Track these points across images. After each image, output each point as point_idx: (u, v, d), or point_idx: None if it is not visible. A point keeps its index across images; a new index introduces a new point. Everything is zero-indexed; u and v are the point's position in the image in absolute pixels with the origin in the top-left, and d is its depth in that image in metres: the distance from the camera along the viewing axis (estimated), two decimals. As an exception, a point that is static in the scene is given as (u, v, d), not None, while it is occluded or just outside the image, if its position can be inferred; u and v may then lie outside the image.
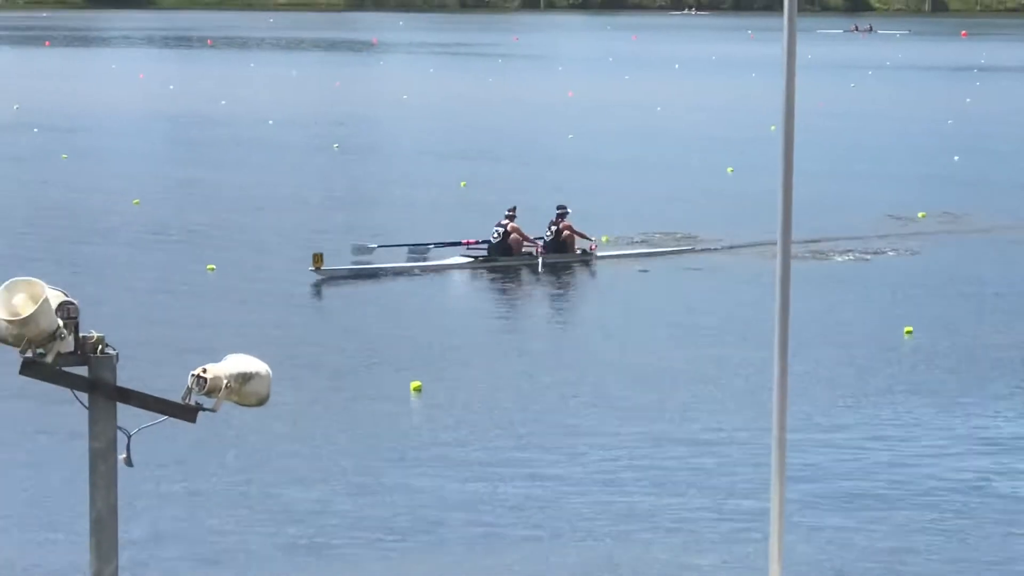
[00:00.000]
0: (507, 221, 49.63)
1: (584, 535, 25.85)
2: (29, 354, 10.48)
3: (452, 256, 49.57)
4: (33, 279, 10.47)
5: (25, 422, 31.12)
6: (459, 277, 48.91)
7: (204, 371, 10.81)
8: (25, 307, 10.30)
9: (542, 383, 35.26)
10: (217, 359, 11.13)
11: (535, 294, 48.13)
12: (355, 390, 34.68)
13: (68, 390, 10.79)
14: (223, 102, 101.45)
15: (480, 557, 25.19)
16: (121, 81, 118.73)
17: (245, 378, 10.83)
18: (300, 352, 37.03)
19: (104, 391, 10.71)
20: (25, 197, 61.47)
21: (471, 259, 49.67)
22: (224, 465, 28.88)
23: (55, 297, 10.48)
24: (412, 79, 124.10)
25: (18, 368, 10.59)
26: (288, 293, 44.59)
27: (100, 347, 10.72)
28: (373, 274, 47.55)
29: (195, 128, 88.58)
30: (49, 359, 10.53)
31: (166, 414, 10.97)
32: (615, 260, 50.58)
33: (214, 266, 46.56)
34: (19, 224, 55.03)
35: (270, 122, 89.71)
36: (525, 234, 49.65)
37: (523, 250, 49.56)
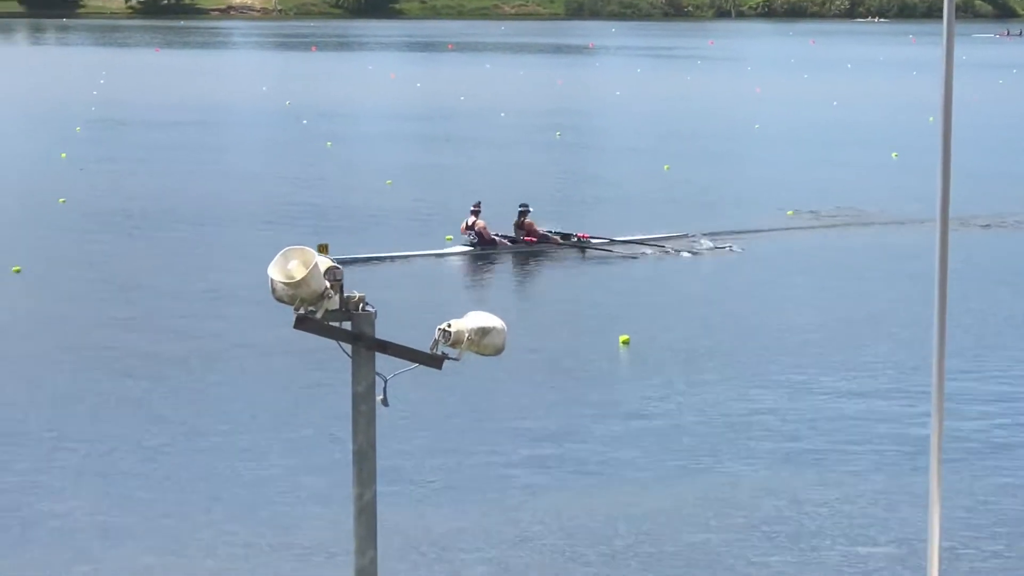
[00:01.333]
0: (472, 219, 45.23)
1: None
2: (301, 311, 10.69)
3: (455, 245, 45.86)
4: (305, 247, 10.66)
5: (296, 370, 31.54)
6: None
7: (449, 325, 10.97)
8: (298, 271, 10.51)
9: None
10: (459, 316, 11.26)
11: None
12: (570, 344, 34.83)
13: (334, 342, 10.98)
14: (462, 98, 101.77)
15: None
16: (375, 80, 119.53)
17: (484, 332, 10.95)
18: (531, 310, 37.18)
19: (365, 342, 10.86)
20: (296, 178, 62.09)
21: (470, 248, 45.45)
22: (463, 405, 29.11)
23: (323, 263, 10.66)
24: (623, 78, 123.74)
25: (292, 323, 10.82)
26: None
27: (361, 305, 10.88)
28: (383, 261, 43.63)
29: (439, 120, 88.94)
30: (318, 315, 10.74)
31: (417, 362, 11.14)
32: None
33: (451, 237, 46.80)
34: (292, 200, 55.69)
35: (502, 115, 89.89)
36: (488, 232, 45.19)
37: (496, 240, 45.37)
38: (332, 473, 24.55)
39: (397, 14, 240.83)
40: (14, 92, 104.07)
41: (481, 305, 12.04)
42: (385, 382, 10.95)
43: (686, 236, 47.66)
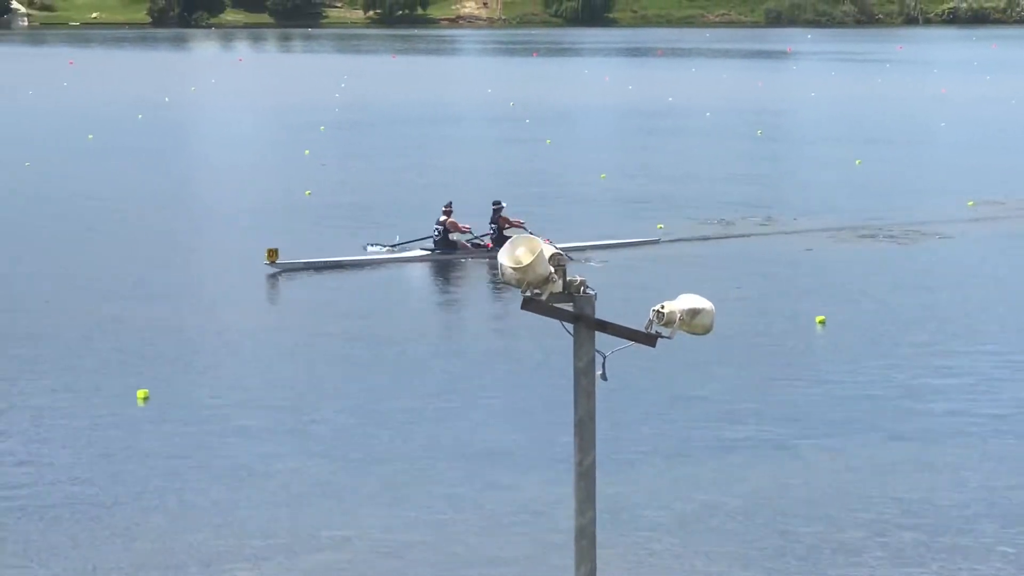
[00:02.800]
0: (444, 217, 42.45)
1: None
2: (528, 294, 10.76)
3: (412, 249, 42.58)
4: (532, 236, 10.74)
5: (524, 347, 31.68)
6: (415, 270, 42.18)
7: (662, 307, 10.98)
8: (525, 258, 10.61)
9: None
10: (671, 298, 11.26)
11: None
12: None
13: (557, 321, 11.03)
14: (670, 99, 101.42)
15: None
16: (591, 83, 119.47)
17: (695, 312, 10.96)
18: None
19: (586, 322, 10.91)
20: (518, 171, 62.33)
21: (427, 251, 42.39)
22: (673, 381, 29.06)
23: (548, 250, 10.71)
24: (818, 80, 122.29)
25: (520, 304, 10.91)
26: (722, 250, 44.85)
27: (582, 288, 10.91)
28: (328, 267, 40.92)
29: (649, 119, 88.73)
30: (544, 297, 10.79)
31: (633, 340, 11.14)
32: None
33: (663, 225, 46.66)
34: (515, 191, 55.95)
35: (707, 114, 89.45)
36: (460, 225, 42.56)
37: (468, 243, 42.72)
38: (548, 442, 24.72)
39: (611, 23, 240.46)
40: (265, 95, 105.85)
41: (681, 288, 12.00)
42: (604, 358, 11.00)
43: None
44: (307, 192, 54.45)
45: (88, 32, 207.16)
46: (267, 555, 20.92)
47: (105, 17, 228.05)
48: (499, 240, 41.47)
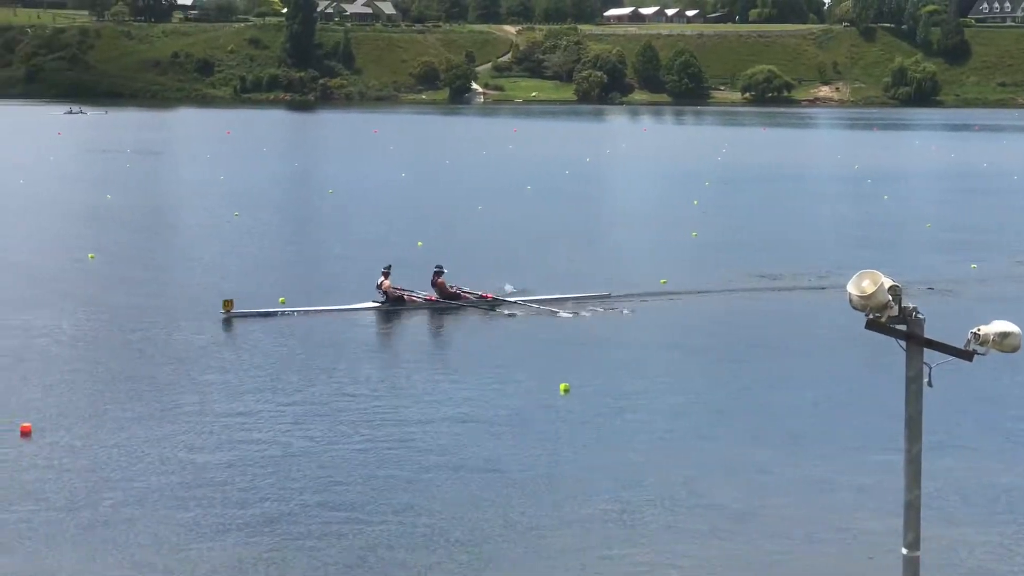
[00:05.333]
0: (381, 279, 36.95)
1: None
2: (871, 316, 10.68)
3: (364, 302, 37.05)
4: (874, 271, 10.68)
5: (863, 360, 31.05)
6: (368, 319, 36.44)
7: (979, 330, 10.80)
8: (869, 288, 10.55)
9: None
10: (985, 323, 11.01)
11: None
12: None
13: (892, 339, 10.90)
14: (984, 164, 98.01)
15: None
16: (920, 152, 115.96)
17: (1005, 335, 10.71)
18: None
19: (916, 340, 10.81)
20: (860, 220, 61.12)
21: (378, 303, 36.84)
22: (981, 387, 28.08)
23: (887, 282, 10.62)
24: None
25: (863, 325, 10.85)
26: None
27: (914, 313, 10.76)
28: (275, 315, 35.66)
29: (967, 180, 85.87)
30: (883, 320, 10.68)
31: (953, 355, 10.92)
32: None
33: (975, 265, 44.95)
34: (857, 233, 54.89)
35: (1015, 176, 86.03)
36: (397, 289, 37.01)
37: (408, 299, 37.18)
38: (873, 441, 24.24)
39: (938, 104, 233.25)
40: (663, 157, 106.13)
41: (992, 316, 11.67)
42: (930, 369, 10.86)
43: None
44: (693, 233, 54.39)
45: (528, 108, 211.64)
46: None
47: (542, 96, 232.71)
48: (446, 298, 37.39)
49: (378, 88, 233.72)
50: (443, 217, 60.45)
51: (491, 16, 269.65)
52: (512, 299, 37.96)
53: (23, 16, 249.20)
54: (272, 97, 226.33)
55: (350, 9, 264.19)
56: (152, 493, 21.22)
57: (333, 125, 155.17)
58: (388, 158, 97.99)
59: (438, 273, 37.81)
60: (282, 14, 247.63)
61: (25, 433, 24.17)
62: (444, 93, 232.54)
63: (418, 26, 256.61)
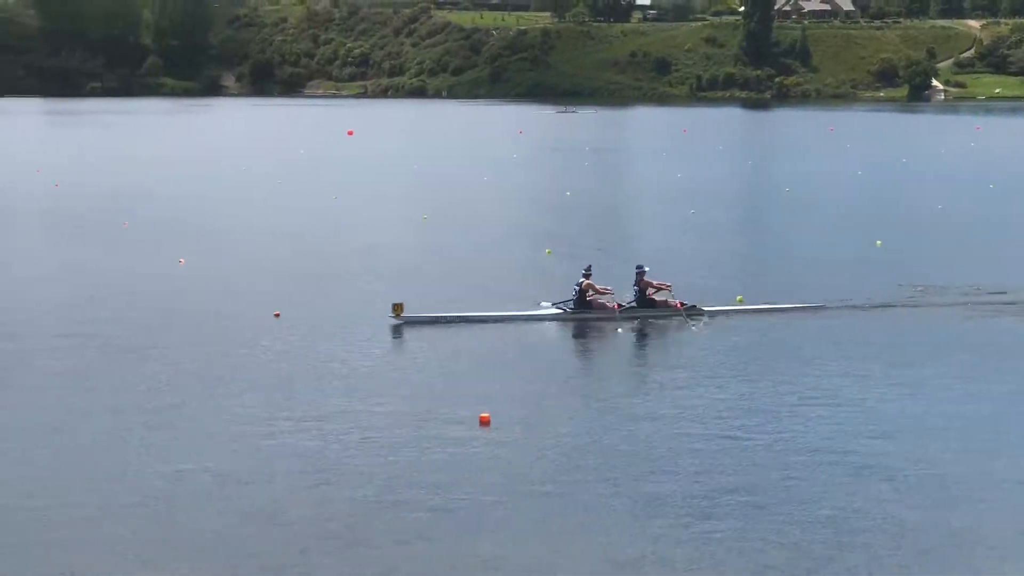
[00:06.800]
0: (582, 279, 34.99)
1: None
2: None
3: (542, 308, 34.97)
4: None
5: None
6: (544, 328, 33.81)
7: None
8: None
9: None
10: None
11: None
12: None
13: None
14: None
15: None
16: None
17: None
18: None
19: None
20: None
21: (560, 310, 34.76)
22: None
23: None
24: None
25: None
26: None
27: None
28: (451, 322, 33.89)
29: None
30: None
31: None
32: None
33: None
34: None
35: None
36: (597, 288, 34.82)
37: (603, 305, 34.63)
38: None
39: None
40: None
41: None
42: None
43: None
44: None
45: (991, 105, 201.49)
46: None
47: (1006, 92, 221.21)
48: (643, 304, 34.85)
49: (834, 86, 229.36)
50: (901, 215, 58.28)
51: (954, 11, 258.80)
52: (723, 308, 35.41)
53: (488, 19, 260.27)
54: (728, 95, 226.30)
55: (807, 6, 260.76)
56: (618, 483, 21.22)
57: (788, 123, 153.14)
58: (844, 156, 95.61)
59: (640, 274, 35.36)
60: (739, 12, 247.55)
61: (484, 422, 24.75)
62: (903, 90, 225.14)
63: (877, 22, 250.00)
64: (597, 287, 35.01)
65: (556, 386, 27.65)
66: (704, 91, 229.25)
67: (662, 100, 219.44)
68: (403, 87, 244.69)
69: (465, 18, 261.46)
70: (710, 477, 21.60)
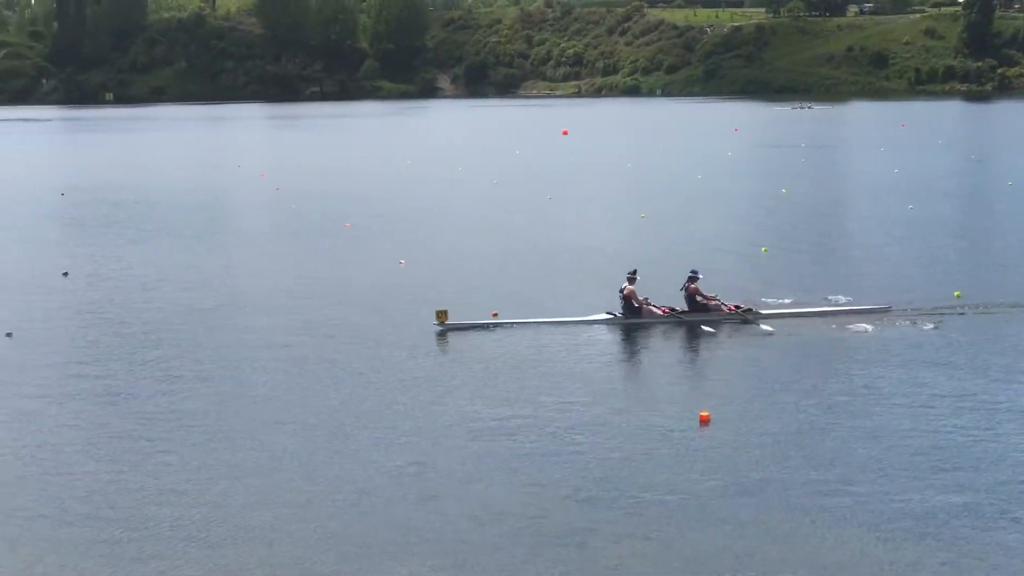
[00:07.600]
0: (625, 284, 33.73)
1: None
2: None
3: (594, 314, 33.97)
4: None
5: None
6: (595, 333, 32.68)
7: None
8: None
9: None
10: None
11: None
12: None
13: None
14: None
15: None
16: None
17: None
18: None
19: None
20: None
21: (611, 316, 33.69)
22: None
23: None
24: None
25: None
26: None
27: None
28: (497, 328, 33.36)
29: None
30: None
31: None
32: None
33: None
34: None
35: None
36: (638, 297, 33.52)
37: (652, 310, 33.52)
38: None
39: None
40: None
41: None
42: None
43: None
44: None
45: None
46: None
47: None
48: (694, 308, 33.88)
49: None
50: None
51: None
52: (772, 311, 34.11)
53: (702, 16, 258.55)
54: (948, 88, 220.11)
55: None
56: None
57: (1011, 115, 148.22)
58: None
59: (692, 279, 34.30)
60: (958, 3, 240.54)
61: (704, 421, 24.78)
62: None
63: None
64: (640, 301, 33.99)
65: (774, 386, 27.47)
66: (923, 84, 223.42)
67: (879, 94, 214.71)
68: (617, 86, 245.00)
69: (678, 15, 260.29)
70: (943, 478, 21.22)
